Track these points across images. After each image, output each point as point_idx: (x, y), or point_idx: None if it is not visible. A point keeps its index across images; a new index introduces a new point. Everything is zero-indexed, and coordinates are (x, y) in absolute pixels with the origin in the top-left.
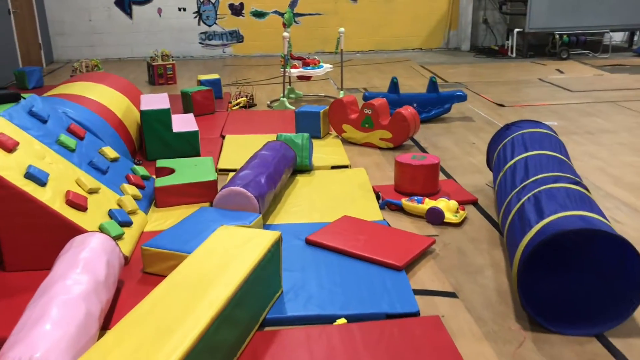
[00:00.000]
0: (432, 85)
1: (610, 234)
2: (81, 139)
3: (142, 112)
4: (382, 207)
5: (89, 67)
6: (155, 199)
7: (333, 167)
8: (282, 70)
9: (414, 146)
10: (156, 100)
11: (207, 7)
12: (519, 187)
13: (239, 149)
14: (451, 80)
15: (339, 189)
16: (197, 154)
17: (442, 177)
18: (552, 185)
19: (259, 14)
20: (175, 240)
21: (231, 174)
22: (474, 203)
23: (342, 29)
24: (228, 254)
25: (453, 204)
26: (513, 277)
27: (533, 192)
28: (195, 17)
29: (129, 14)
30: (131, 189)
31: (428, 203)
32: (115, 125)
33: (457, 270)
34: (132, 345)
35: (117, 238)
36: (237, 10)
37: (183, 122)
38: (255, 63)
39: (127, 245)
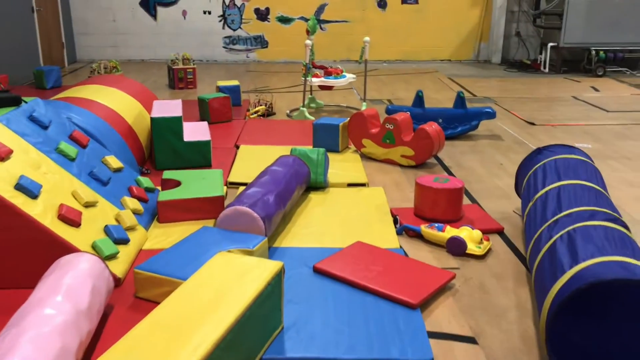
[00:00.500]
0: (460, 100)
1: None
2: (84, 146)
3: (152, 120)
4: (399, 233)
5: (107, 69)
6: (157, 213)
7: (349, 185)
8: (303, 79)
9: (437, 165)
10: (169, 107)
11: (233, 10)
12: (550, 221)
13: (253, 160)
14: (480, 95)
15: (354, 210)
16: (209, 165)
17: (465, 200)
18: (588, 223)
19: (284, 20)
20: (171, 264)
21: (241, 188)
22: (500, 232)
23: (367, 38)
24: (222, 287)
25: (477, 233)
26: (541, 327)
27: (566, 229)
28: (220, 20)
29: (154, 15)
30: (132, 203)
31: (449, 231)
32: (124, 132)
33: (478, 310)
34: None
35: (111, 257)
36: (262, 15)
37: (195, 131)
38: (278, 69)
39: (120, 266)
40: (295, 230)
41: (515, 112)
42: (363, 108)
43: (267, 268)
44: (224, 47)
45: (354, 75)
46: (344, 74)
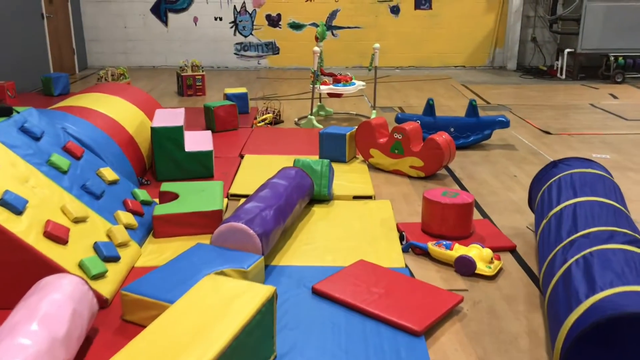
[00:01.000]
0: (472, 109)
1: None
2: (78, 158)
3: (153, 129)
4: (405, 250)
5: (114, 76)
6: (153, 228)
7: (355, 198)
8: (312, 86)
9: (447, 176)
10: (170, 116)
11: (244, 17)
12: (565, 242)
13: (257, 171)
14: (494, 102)
15: (358, 224)
16: (210, 175)
17: (476, 215)
18: (606, 246)
19: (296, 26)
20: (159, 285)
21: (242, 201)
22: (512, 250)
23: (377, 45)
24: (208, 314)
25: (487, 252)
26: None
27: (582, 253)
28: (232, 27)
29: (165, 21)
30: (126, 217)
31: (458, 249)
32: (123, 142)
33: (487, 337)
34: None
35: (98, 277)
36: (274, 22)
37: (198, 140)
38: (289, 76)
39: (109, 286)
40: (295, 247)
41: (530, 120)
42: (373, 116)
43: (258, 293)
44: (235, 54)
45: (364, 83)
46: (353, 81)
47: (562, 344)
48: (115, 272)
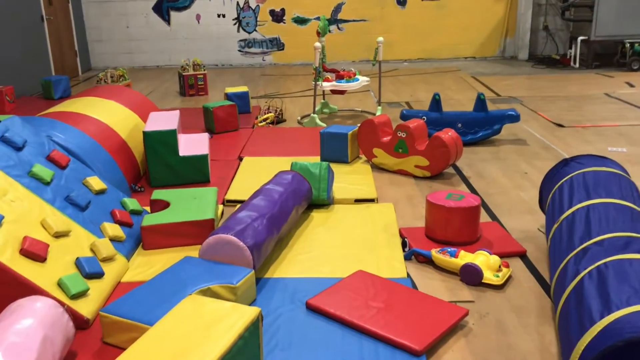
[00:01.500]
0: (480, 103)
1: None
2: (63, 168)
3: (145, 134)
4: (407, 258)
5: (114, 78)
6: (142, 239)
7: (357, 201)
8: (314, 83)
9: (454, 175)
10: (164, 119)
11: (247, 13)
12: (577, 249)
13: (255, 174)
14: (504, 94)
15: (359, 230)
16: (206, 181)
17: (485, 217)
18: (622, 256)
19: (300, 21)
20: (140, 305)
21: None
22: (522, 255)
23: (380, 39)
24: (187, 340)
25: (494, 260)
26: None
27: (596, 264)
28: (235, 23)
29: (167, 20)
30: (113, 229)
31: (463, 257)
32: (115, 148)
33: (494, 355)
34: None
35: (79, 296)
36: (278, 17)
37: (193, 144)
38: (294, 72)
39: (90, 305)
40: (290, 257)
41: (542, 112)
42: (378, 113)
43: (242, 316)
44: (240, 51)
45: (368, 78)
46: (356, 77)
47: None
48: (98, 290)
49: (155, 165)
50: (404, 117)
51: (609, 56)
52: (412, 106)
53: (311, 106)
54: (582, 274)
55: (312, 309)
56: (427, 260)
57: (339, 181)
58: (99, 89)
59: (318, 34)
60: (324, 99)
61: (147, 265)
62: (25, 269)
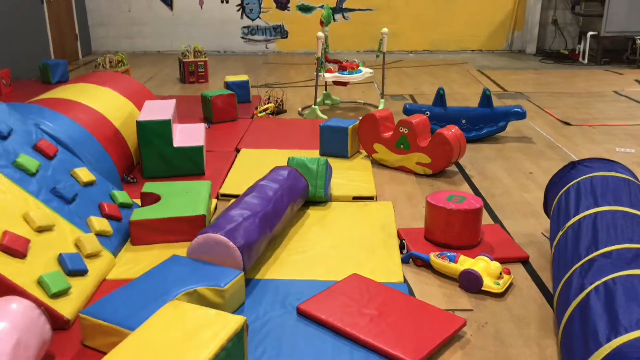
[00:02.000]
0: (486, 99)
1: None
2: (50, 158)
3: (138, 123)
4: (405, 261)
5: (112, 63)
6: (130, 234)
7: (355, 198)
8: (316, 74)
9: (457, 173)
10: (160, 108)
11: None
12: (583, 260)
13: (252, 167)
14: (511, 90)
15: (356, 230)
16: (201, 173)
17: (487, 218)
18: (632, 272)
19: (305, 8)
20: (122, 308)
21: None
22: (525, 261)
23: (385, 30)
24: (167, 350)
25: (495, 266)
26: None
27: (603, 279)
28: (238, 10)
29: (170, 4)
30: (100, 223)
31: (463, 262)
32: (107, 137)
33: None
34: None
35: (60, 294)
36: (282, 4)
37: (189, 134)
38: (298, 61)
39: (71, 304)
40: (284, 257)
41: (549, 109)
42: (381, 106)
43: (225, 325)
44: (242, 38)
45: (371, 70)
46: (360, 68)
47: None
48: (80, 288)
49: (149, 156)
50: (407, 111)
51: (618, 52)
52: (416, 99)
53: (313, 97)
54: (588, 289)
55: (303, 314)
56: (425, 264)
57: (337, 177)
58: (95, 75)
59: (321, 23)
60: (326, 90)
61: (135, 261)
62: (4, 266)
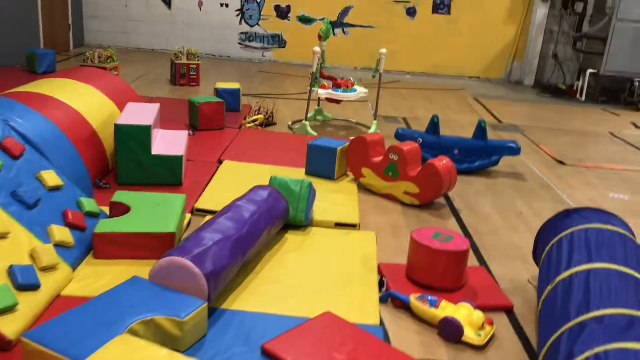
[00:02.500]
0: (480, 130)
1: None
2: (15, 157)
3: (116, 127)
4: (383, 300)
5: (101, 58)
6: (93, 246)
7: (337, 225)
8: (309, 89)
9: (445, 206)
10: (141, 112)
11: (252, 5)
12: (572, 322)
13: (233, 181)
14: (506, 121)
15: (335, 261)
16: (179, 183)
17: (471, 257)
18: (625, 345)
19: (305, 20)
20: (68, 334)
21: (208, 218)
22: (509, 311)
23: (383, 50)
24: None
25: (478, 316)
26: None
27: (594, 350)
28: (238, 14)
29: (168, 3)
30: (60, 233)
31: (444, 308)
32: (82, 138)
33: None
34: None
35: (5, 311)
36: (282, 13)
37: (169, 142)
38: (293, 72)
39: (16, 323)
40: (254, 285)
41: (543, 145)
42: (373, 127)
43: None
44: (239, 44)
45: (366, 90)
46: (354, 87)
47: None
48: (29, 305)
49: (125, 162)
50: (399, 136)
51: (616, 92)
52: (409, 123)
53: (305, 110)
54: (577, 359)
55: (267, 354)
56: (404, 306)
57: (321, 199)
58: (80, 70)
59: (319, 37)
60: (318, 105)
61: (94, 277)
62: None
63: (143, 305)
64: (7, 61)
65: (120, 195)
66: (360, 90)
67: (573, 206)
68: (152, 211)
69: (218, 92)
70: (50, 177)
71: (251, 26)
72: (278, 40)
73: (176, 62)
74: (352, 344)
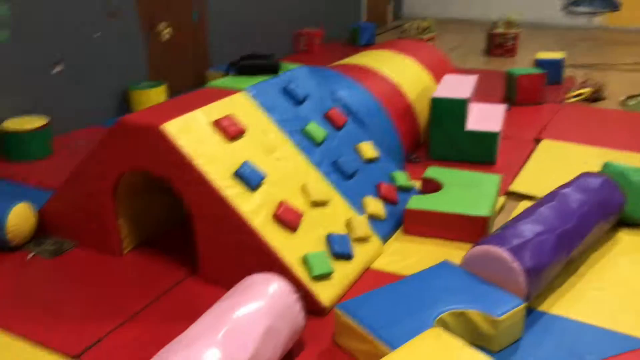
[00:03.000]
0: None
1: None
2: (338, 128)
3: (432, 100)
4: None
5: (419, 29)
6: (404, 222)
7: None
8: None
9: None
10: (458, 85)
11: None
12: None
13: (553, 164)
14: None
15: None
16: (492, 162)
17: None
18: None
19: None
20: (380, 314)
21: (523, 204)
22: None
23: None
24: None
25: None
26: None
27: None
28: None
29: None
30: (374, 205)
31: None
32: (399, 111)
33: None
34: None
35: (321, 277)
36: None
37: (485, 117)
38: (627, 40)
39: (331, 290)
40: (579, 288)
41: None
42: None
43: None
44: (563, 9)
45: None
46: None
47: None
48: (343, 274)
49: (438, 136)
50: None
51: None
52: None
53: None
54: None
55: None
56: None
57: None
58: (399, 42)
59: None
60: None
61: (403, 254)
62: (275, 237)
63: (455, 295)
64: (332, 35)
65: (433, 172)
66: None
67: None
68: (464, 191)
69: (539, 63)
70: (368, 149)
71: None
72: (610, 3)
73: (493, 32)
74: None
